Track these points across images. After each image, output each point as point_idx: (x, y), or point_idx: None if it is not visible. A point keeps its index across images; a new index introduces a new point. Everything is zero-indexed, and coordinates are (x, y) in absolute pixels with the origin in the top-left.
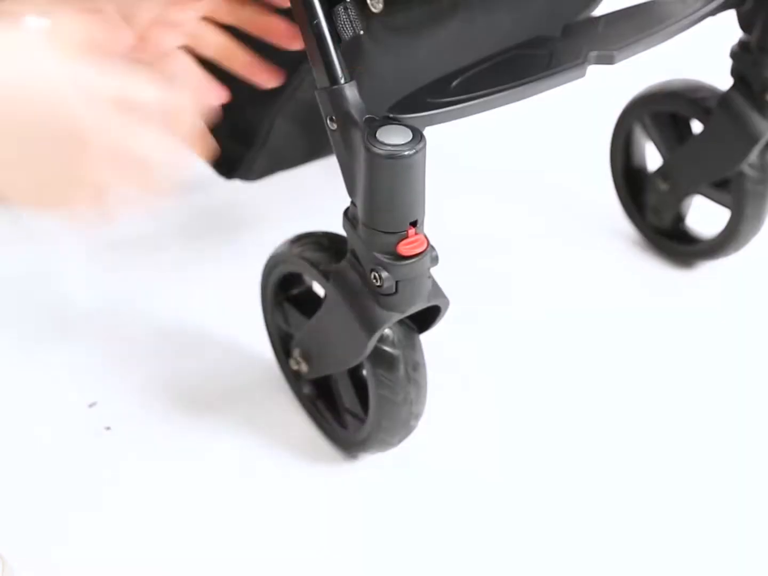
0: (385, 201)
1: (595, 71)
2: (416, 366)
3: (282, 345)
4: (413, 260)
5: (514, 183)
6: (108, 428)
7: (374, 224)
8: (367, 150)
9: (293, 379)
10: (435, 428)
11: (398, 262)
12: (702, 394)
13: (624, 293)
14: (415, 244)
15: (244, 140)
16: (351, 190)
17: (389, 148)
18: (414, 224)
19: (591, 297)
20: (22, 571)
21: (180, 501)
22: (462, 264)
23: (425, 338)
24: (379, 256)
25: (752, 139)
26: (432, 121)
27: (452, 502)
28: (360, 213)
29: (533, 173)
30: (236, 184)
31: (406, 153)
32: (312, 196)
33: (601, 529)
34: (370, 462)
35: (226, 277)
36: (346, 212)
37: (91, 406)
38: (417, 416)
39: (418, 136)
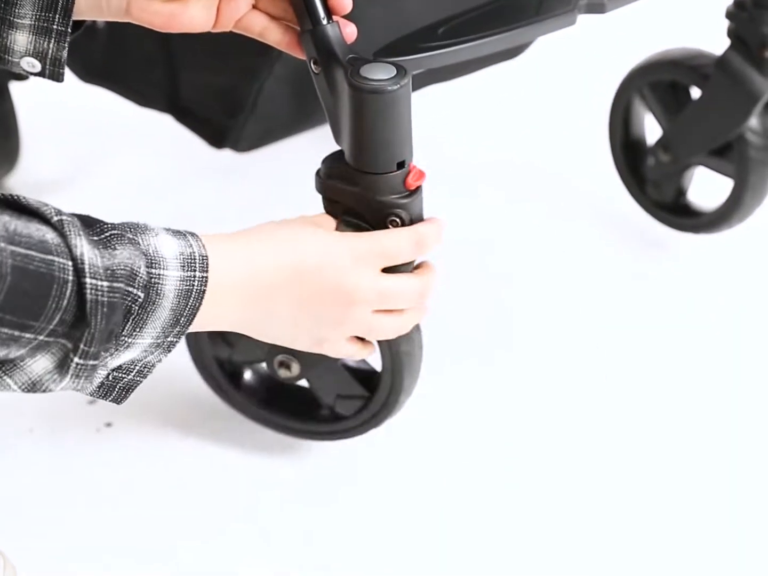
0: (372, 139)
1: (595, 62)
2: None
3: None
4: (418, 192)
5: (513, 174)
6: (108, 425)
7: (361, 164)
8: (351, 86)
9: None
10: (426, 417)
11: (412, 198)
12: (699, 393)
13: (621, 287)
14: (418, 175)
15: (233, 108)
16: (337, 133)
17: (373, 83)
18: (400, 164)
19: (590, 289)
20: (22, 569)
21: (178, 498)
22: (455, 258)
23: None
24: (394, 198)
25: (752, 97)
26: (419, 65)
27: (434, 499)
28: (347, 155)
29: (533, 164)
30: (235, 181)
31: (390, 87)
32: (311, 195)
33: (600, 530)
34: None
35: None
36: (324, 173)
37: (91, 402)
38: (420, 359)
39: (402, 72)
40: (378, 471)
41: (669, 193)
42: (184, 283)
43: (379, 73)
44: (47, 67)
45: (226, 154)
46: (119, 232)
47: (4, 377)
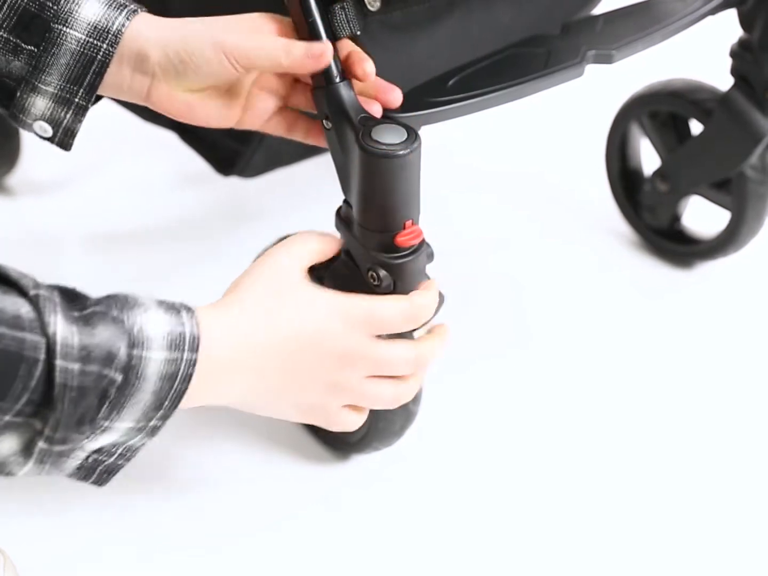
0: (380, 201)
1: (594, 71)
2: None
3: None
4: (410, 254)
5: (513, 184)
6: None
7: (369, 224)
8: (362, 149)
9: None
10: (431, 426)
11: (396, 255)
12: (699, 396)
13: (622, 294)
14: (411, 235)
15: (241, 137)
16: (346, 190)
17: (384, 147)
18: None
19: (589, 297)
20: (22, 568)
21: (182, 498)
22: (461, 263)
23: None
24: (376, 254)
25: (754, 138)
26: (428, 121)
27: (446, 504)
28: (355, 213)
29: (532, 174)
30: (234, 182)
31: (401, 152)
32: (309, 195)
33: (604, 534)
34: (361, 464)
35: (223, 275)
36: (338, 211)
37: None
38: (416, 399)
39: (413, 136)
40: (387, 476)
41: (663, 219)
42: (169, 365)
43: (390, 136)
44: (59, 135)
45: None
46: (103, 309)
47: None
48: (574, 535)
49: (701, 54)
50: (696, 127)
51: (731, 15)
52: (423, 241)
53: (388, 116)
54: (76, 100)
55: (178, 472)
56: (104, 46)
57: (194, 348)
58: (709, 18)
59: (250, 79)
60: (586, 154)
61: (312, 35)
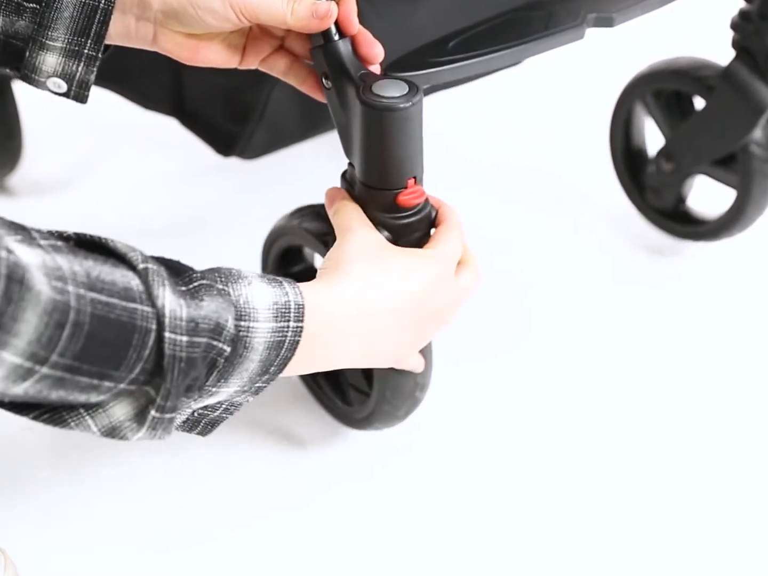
0: (383, 157)
1: (595, 59)
2: None
3: None
4: (413, 215)
5: (513, 177)
6: None
7: (372, 181)
8: (363, 103)
9: None
10: (431, 423)
11: (398, 215)
12: (701, 392)
13: (625, 290)
14: (414, 195)
15: (241, 116)
16: (348, 149)
17: (385, 100)
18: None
19: (591, 292)
20: (23, 567)
21: (183, 494)
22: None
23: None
24: (379, 214)
25: (758, 109)
26: (429, 80)
27: (444, 499)
28: (357, 172)
29: (532, 168)
30: (234, 180)
31: (402, 105)
32: (314, 174)
33: (602, 531)
34: (358, 457)
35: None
36: (344, 174)
37: None
38: (423, 387)
39: (414, 89)
40: (387, 469)
41: (669, 200)
42: (276, 334)
43: (391, 90)
44: (73, 88)
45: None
46: (209, 282)
47: (86, 417)
48: (573, 531)
49: (704, 33)
50: (700, 104)
51: None
52: (426, 202)
53: (389, 75)
54: (86, 51)
55: (174, 468)
56: None
57: (300, 317)
58: None
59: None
60: (587, 146)
61: None
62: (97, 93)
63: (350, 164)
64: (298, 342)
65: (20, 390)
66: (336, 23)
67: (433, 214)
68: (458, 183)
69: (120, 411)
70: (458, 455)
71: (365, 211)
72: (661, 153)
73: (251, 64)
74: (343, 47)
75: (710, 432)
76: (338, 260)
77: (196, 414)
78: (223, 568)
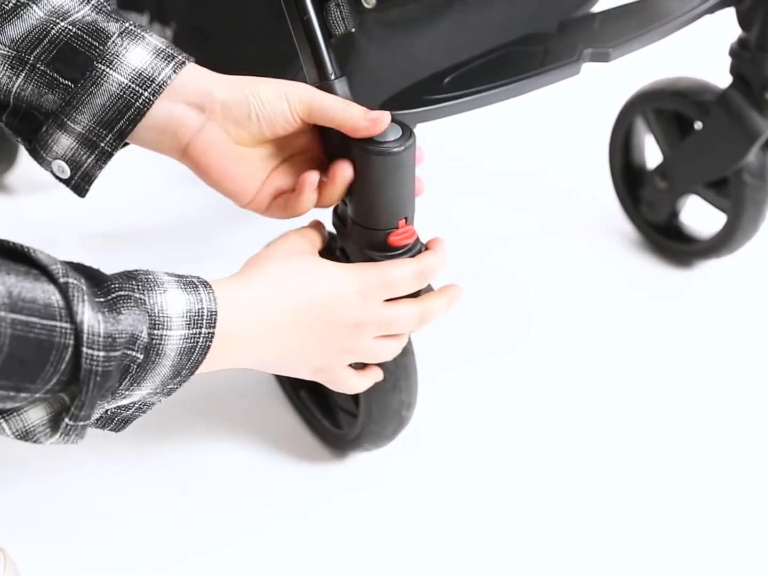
0: (375, 198)
1: (594, 69)
2: (405, 352)
3: None
4: (403, 254)
5: (513, 183)
6: None
7: (364, 221)
8: (357, 146)
9: (287, 381)
10: (427, 423)
11: (389, 254)
12: (698, 394)
13: (623, 292)
14: (405, 235)
15: None
16: None
17: (379, 144)
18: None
19: (589, 295)
20: (23, 566)
21: (183, 499)
22: (460, 262)
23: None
24: (370, 252)
25: (751, 137)
26: (424, 118)
27: (445, 503)
28: (350, 210)
29: (531, 174)
30: None
31: (395, 150)
32: None
33: (601, 531)
34: (360, 464)
35: (222, 272)
36: (335, 210)
37: None
38: (409, 406)
39: (407, 133)
40: (386, 476)
41: (662, 216)
42: (188, 341)
43: (385, 133)
44: (76, 178)
45: None
46: (126, 293)
47: (1, 421)
48: (573, 532)
49: (706, 52)
50: (700, 127)
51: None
52: (417, 241)
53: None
54: (102, 144)
55: (175, 473)
56: (145, 93)
57: (212, 323)
58: (718, 14)
59: (275, 158)
60: (585, 152)
61: (307, 33)
62: None
63: (342, 200)
64: (209, 347)
65: None
66: (334, 61)
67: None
68: (461, 190)
69: (34, 416)
70: (458, 458)
71: (355, 248)
72: (657, 170)
73: (260, 205)
74: (340, 87)
75: (707, 435)
76: (258, 260)
77: (109, 412)
78: (223, 570)
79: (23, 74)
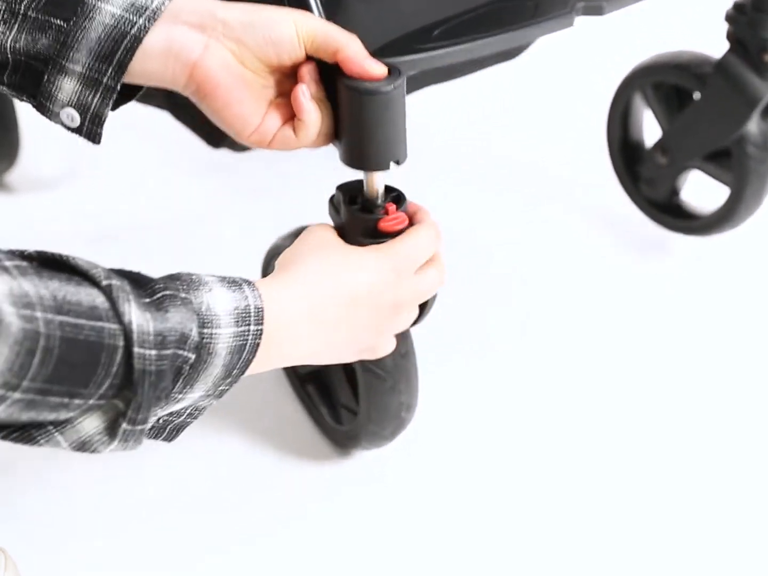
0: (367, 139)
1: (590, 57)
2: (405, 354)
3: None
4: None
5: (507, 169)
6: None
7: (356, 164)
8: (345, 86)
9: (294, 376)
10: (429, 419)
11: (380, 241)
12: (696, 390)
13: (621, 287)
14: (395, 221)
15: None
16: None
17: (368, 84)
18: (396, 201)
19: (587, 289)
20: (23, 566)
21: (185, 497)
22: (455, 253)
23: (419, 329)
24: (363, 239)
25: (751, 101)
26: (414, 66)
27: (446, 499)
28: (341, 156)
29: (526, 159)
30: (231, 178)
31: (384, 89)
32: (312, 172)
33: (600, 528)
34: (362, 461)
35: (225, 269)
36: (331, 199)
37: None
38: (409, 407)
39: (396, 73)
40: (387, 473)
41: (662, 192)
42: (238, 339)
43: None
44: (86, 123)
45: (224, 152)
46: (172, 292)
47: (56, 434)
48: (572, 528)
49: (702, 23)
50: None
51: None
52: (408, 226)
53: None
54: (105, 80)
55: (178, 472)
56: (140, 21)
57: (260, 319)
58: None
59: (275, 90)
60: (582, 142)
61: None
62: None
63: (338, 189)
64: (258, 344)
65: None
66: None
67: None
68: (454, 178)
69: (90, 425)
70: (459, 455)
71: (349, 236)
72: (657, 146)
73: (264, 137)
74: None
75: (705, 431)
76: (292, 257)
77: (161, 421)
78: (226, 568)
79: (16, 26)
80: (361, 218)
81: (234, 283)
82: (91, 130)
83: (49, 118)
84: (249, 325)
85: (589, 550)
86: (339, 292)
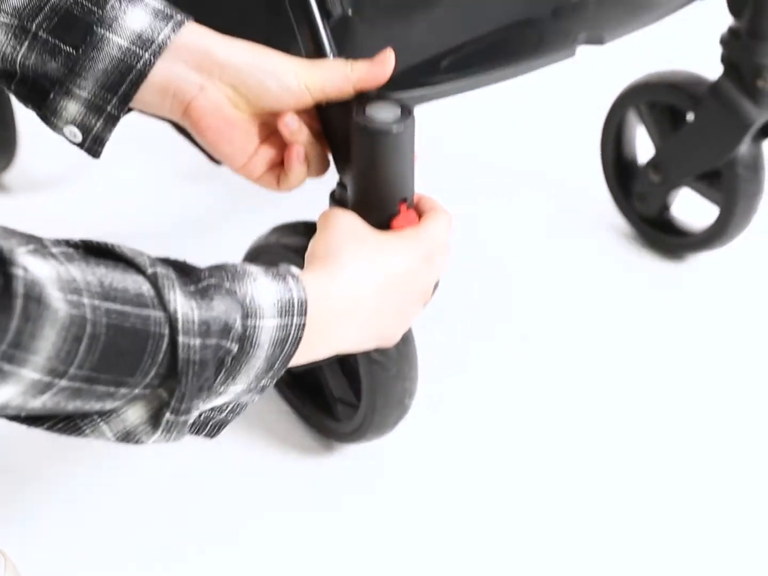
0: (374, 178)
1: (588, 67)
2: (406, 340)
3: None
4: None
5: (505, 177)
6: None
7: (364, 202)
8: (357, 125)
9: (281, 382)
10: (428, 420)
11: None
12: (695, 391)
13: (619, 286)
14: (407, 220)
15: None
16: (340, 168)
17: (378, 123)
18: (404, 201)
19: (586, 290)
20: (23, 567)
21: (187, 497)
22: (458, 256)
23: (418, 323)
24: None
25: (743, 126)
26: (422, 99)
27: (442, 497)
28: (350, 193)
29: (526, 169)
30: (230, 177)
31: (395, 129)
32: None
33: (598, 526)
34: (356, 461)
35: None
36: (332, 194)
37: None
38: (411, 394)
39: (406, 113)
40: (382, 473)
41: (653, 209)
42: (281, 331)
43: (384, 113)
44: (88, 141)
45: None
46: (217, 281)
47: (101, 424)
48: (570, 528)
49: (697, 45)
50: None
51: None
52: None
53: (383, 95)
54: (108, 108)
55: (178, 472)
56: (146, 55)
57: (303, 312)
58: (707, 6)
59: (269, 127)
60: (580, 148)
61: (305, 12)
62: None
63: (339, 184)
64: (301, 337)
65: (38, 403)
66: (332, 40)
67: None
68: (457, 186)
69: (134, 415)
70: (456, 452)
71: None
72: (650, 164)
73: (254, 170)
74: None
75: (702, 426)
76: (327, 248)
77: (203, 416)
78: (225, 568)
79: (26, 43)
80: (372, 217)
81: (278, 275)
82: (91, 147)
83: (53, 129)
84: (292, 317)
85: (589, 550)
86: (377, 279)
